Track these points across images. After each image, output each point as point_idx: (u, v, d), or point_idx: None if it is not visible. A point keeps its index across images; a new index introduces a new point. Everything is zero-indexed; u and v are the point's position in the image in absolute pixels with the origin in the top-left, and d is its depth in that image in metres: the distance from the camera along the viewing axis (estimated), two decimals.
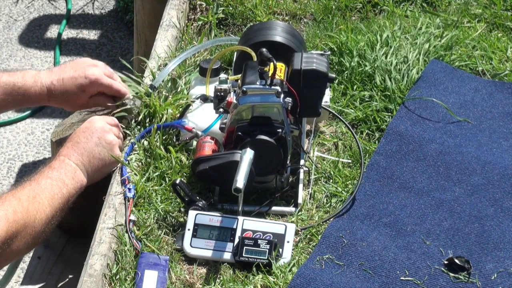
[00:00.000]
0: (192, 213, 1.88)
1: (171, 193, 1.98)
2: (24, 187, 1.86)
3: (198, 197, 1.92)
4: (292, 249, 1.85)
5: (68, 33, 4.65)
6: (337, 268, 1.83)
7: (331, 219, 1.94)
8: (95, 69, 2.16)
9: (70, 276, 2.13)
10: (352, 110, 2.24)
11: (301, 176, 2.02)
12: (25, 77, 2.14)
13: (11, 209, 1.77)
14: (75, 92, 2.16)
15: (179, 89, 2.25)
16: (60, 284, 2.12)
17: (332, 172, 2.06)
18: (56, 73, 2.16)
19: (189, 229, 1.86)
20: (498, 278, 1.81)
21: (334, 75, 2.02)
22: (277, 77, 1.94)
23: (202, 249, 1.85)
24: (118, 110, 2.18)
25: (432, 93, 2.29)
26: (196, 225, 1.87)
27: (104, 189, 2.02)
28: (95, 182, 2.02)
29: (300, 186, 2.00)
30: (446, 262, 1.84)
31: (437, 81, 2.34)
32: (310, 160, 2.08)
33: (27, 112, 4.17)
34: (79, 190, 1.96)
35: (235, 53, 2.28)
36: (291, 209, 1.97)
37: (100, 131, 2.03)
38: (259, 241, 1.83)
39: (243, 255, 1.82)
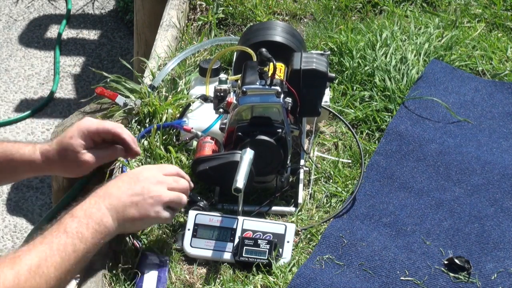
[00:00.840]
0: (192, 213, 1.88)
1: None
2: (30, 250, 1.60)
3: (199, 197, 1.92)
4: (292, 249, 1.85)
5: (68, 33, 4.65)
6: (337, 268, 1.83)
7: (331, 219, 1.94)
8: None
9: None
10: (352, 110, 2.24)
11: (301, 176, 2.02)
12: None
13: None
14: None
15: (179, 89, 2.25)
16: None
17: (332, 172, 2.06)
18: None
19: (189, 229, 1.86)
20: (498, 278, 1.81)
21: (333, 75, 2.02)
22: (277, 77, 1.94)
23: (202, 249, 1.85)
24: (120, 110, 2.19)
25: (432, 93, 2.29)
26: (196, 225, 1.87)
27: None
28: (127, 232, 1.83)
29: (300, 186, 2.00)
30: (446, 262, 1.84)
31: (437, 81, 2.34)
32: (310, 160, 2.08)
33: (27, 112, 4.17)
34: (103, 240, 1.70)
35: (235, 53, 2.28)
36: (291, 209, 1.97)
37: (147, 181, 1.78)
38: (259, 241, 1.83)
39: (243, 255, 1.82)
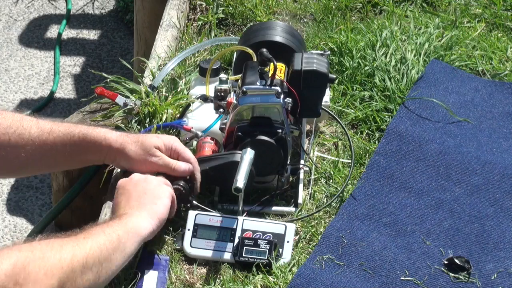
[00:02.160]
0: (192, 213, 1.88)
1: None
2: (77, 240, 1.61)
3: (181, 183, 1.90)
4: (292, 249, 1.85)
5: (68, 33, 4.65)
6: (337, 268, 1.83)
7: (328, 218, 1.94)
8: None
9: None
10: (352, 110, 2.24)
11: (301, 176, 2.02)
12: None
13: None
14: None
15: (179, 89, 2.26)
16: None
17: (332, 172, 2.06)
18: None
19: (189, 229, 1.86)
20: (498, 278, 1.81)
21: (334, 76, 2.02)
22: (277, 77, 1.94)
23: (202, 249, 1.85)
24: (120, 110, 2.19)
25: (432, 93, 2.29)
26: (196, 225, 1.87)
27: (104, 189, 2.02)
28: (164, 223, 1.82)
29: (300, 186, 2.00)
30: (446, 262, 1.84)
31: (437, 81, 2.34)
32: (310, 160, 2.08)
33: (27, 112, 4.17)
34: (142, 240, 1.73)
35: (235, 53, 2.28)
36: (291, 209, 1.97)
37: (140, 180, 1.83)
38: (259, 241, 1.83)
39: (243, 255, 1.82)
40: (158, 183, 1.83)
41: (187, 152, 1.91)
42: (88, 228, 1.66)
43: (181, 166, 1.88)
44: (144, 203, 1.77)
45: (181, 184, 1.88)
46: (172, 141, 1.91)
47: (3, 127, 1.80)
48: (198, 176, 1.91)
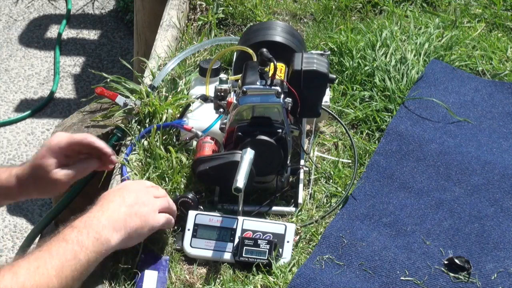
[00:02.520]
0: (192, 213, 1.88)
1: (171, 193, 1.98)
2: (28, 257, 1.59)
3: (190, 195, 1.91)
4: (292, 249, 1.85)
5: (68, 33, 4.65)
6: (337, 268, 1.83)
7: (328, 218, 1.94)
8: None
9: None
10: (352, 110, 2.24)
11: (301, 176, 2.02)
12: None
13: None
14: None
15: (179, 89, 2.26)
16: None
17: (332, 172, 2.06)
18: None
19: (189, 229, 1.86)
20: (498, 278, 1.81)
21: (334, 76, 2.02)
22: (277, 77, 1.94)
23: (202, 249, 1.85)
24: (120, 110, 2.19)
25: (432, 93, 2.29)
26: (196, 225, 1.87)
27: (104, 189, 2.02)
28: (130, 245, 1.79)
29: (300, 186, 2.01)
30: (446, 262, 1.84)
31: (437, 81, 2.34)
32: (310, 160, 2.08)
33: (27, 112, 4.17)
34: (105, 251, 1.69)
35: (235, 53, 2.28)
36: (291, 209, 1.97)
37: (137, 191, 1.80)
38: (259, 241, 1.83)
39: (243, 255, 1.82)
40: (151, 207, 1.79)
41: (74, 140, 1.86)
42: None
43: (92, 165, 1.89)
44: (129, 226, 1.75)
45: (189, 196, 1.90)
46: (52, 145, 1.84)
47: None
48: (98, 145, 1.88)
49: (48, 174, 1.85)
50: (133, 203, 1.76)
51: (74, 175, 1.89)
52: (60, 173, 1.86)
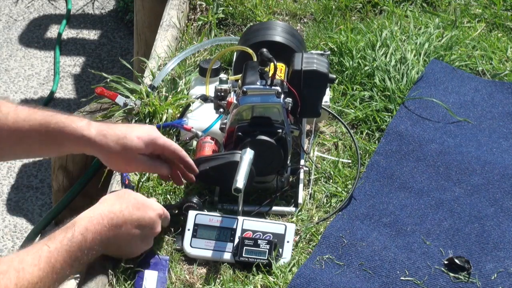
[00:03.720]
0: (192, 213, 1.88)
1: (171, 193, 1.98)
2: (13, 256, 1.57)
3: (195, 199, 1.91)
4: (292, 249, 1.85)
5: (68, 33, 4.65)
6: (337, 268, 1.83)
7: (331, 219, 1.94)
8: None
9: (70, 276, 2.12)
10: (352, 110, 2.24)
11: (301, 176, 2.02)
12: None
13: None
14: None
15: (179, 89, 2.26)
16: (60, 284, 2.11)
17: (332, 172, 2.06)
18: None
19: (189, 229, 1.86)
20: (498, 278, 1.81)
21: (334, 76, 2.02)
22: (277, 77, 1.94)
23: (202, 249, 1.85)
24: (120, 110, 2.19)
25: (432, 93, 2.29)
26: (196, 225, 1.86)
27: (104, 189, 2.02)
28: (114, 254, 1.80)
29: (300, 186, 2.00)
30: (446, 262, 1.84)
31: (437, 81, 2.34)
32: (310, 160, 2.08)
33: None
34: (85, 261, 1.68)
35: (235, 53, 2.28)
36: (291, 209, 1.97)
37: (136, 202, 1.78)
38: (259, 241, 1.83)
39: (243, 255, 1.82)
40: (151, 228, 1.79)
41: (170, 145, 1.86)
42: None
43: (163, 171, 1.87)
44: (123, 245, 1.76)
45: (194, 201, 1.90)
46: (152, 137, 1.84)
47: None
48: (188, 160, 1.88)
49: (133, 155, 1.83)
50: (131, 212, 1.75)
51: (149, 168, 1.88)
52: (141, 161, 1.85)
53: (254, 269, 1.81)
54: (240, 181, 1.81)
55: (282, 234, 1.85)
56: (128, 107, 2.19)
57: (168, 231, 1.89)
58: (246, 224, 1.86)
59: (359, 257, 1.85)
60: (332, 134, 2.19)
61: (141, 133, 1.83)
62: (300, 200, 1.98)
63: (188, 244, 1.85)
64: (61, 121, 1.80)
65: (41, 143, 1.82)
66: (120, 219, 1.72)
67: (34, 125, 1.79)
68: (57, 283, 1.60)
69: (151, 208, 1.79)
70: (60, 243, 1.61)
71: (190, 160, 1.89)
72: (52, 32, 4.64)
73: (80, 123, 1.80)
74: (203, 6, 2.72)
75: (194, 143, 2.07)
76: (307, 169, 2.05)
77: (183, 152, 1.88)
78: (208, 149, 1.98)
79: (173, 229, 1.90)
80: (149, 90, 2.22)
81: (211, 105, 2.04)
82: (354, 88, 2.30)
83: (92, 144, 1.80)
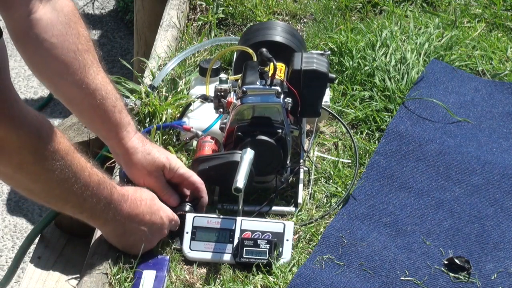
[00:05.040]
0: (189, 216, 1.87)
1: None
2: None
3: (187, 206, 1.91)
4: (292, 249, 1.85)
5: None
6: (337, 268, 1.83)
7: (329, 218, 1.94)
8: None
9: (70, 276, 2.13)
10: (352, 110, 2.25)
11: (301, 176, 2.02)
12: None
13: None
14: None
15: (179, 89, 2.26)
16: (60, 285, 2.12)
17: (332, 172, 2.06)
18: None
19: (187, 232, 1.86)
20: (498, 278, 1.81)
21: (334, 75, 2.02)
22: (277, 77, 1.94)
23: (202, 251, 1.84)
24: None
25: (432, 93, 2.29)
26: (195, 228, 1.86)
27: None
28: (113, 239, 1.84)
29: (300, 186, 2.00)
30: (446, 262, 1.84)
31: (437, 81, 2.34)
32: (310, 160, 2.08)
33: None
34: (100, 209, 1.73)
35: (235, 53, 2.28)
36: (291, 209, 1.97)
37: (153, 202, 1.84)
38: (259, 241, 1.83)
39: (244, 256, 1.82)
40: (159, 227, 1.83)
41: (190, 176, 1.90)
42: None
43: (171, 201, 1.89)
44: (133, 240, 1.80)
45: (186, 209, 1.89)
46: (178, 165, 1.89)
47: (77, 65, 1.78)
48: (205, 198, 1.91)
49: (158, 166, 1.87)
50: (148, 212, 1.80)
51: (161, 188, 1.89)
52: (161, 177, 1.89)
53: (254, 269, 1.81)
54: (241, 181, 1.81)
55: (281, 232, 1.85)
56: (128, 107, 2.19)
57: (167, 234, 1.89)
58: (245, 224, 1.86)
59: (359, 257, 1.85)
60: (332, 134, 2.19)
61: (170, 157, 1.90)
62: (300, 200, 1.98)
63: (188, 247, 1.85)
64: (113, 107, 1.83)
65: (90, 113, 1.85)
66: (139, 209, 1.78)
67: (101, 96, 1.81)
68: (67, 193, 1.66)
69: (164, 210, 1.83)
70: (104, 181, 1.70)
71: (205, 198, 1.91)
72: None
73: (132, 121, 1.86)
74: (203, 6, 2.72)
75: (194, 143, 2.07)
76: (307, 169, 2.05)
77: (202, 186, 1.91)
78: (208, 148, 1.98)
79: (172, 233, 1.89)
80: (149, 90, 2.22)
81: (211, 105, 2.04)
82: (354, 88, 2.30)
83: (121, 149, 1.86)
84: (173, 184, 1.90)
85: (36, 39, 1.72)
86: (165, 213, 1.83)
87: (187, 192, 1.93)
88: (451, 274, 1.82)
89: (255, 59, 2.04)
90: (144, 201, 1.80)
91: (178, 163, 1.90)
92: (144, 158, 1.86)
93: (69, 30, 1.75)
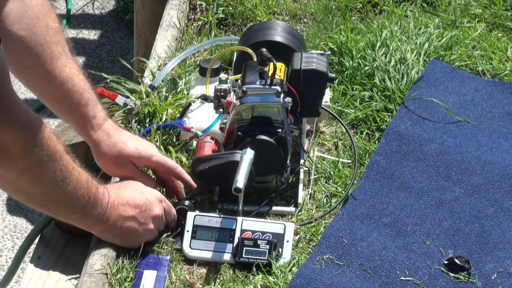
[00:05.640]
0: (190, 215, 1.87)
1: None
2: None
3: (186, 202, 1.92)
4: (292, 249, 1.85)
5: (68, 33, 4.65)
6: (337, 268, 1.83)
7: (329, 218, 1.94)
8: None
9: (70, 276, 2.13)
10: (352, 110, 2.24)
11: (301, 176, 2.02)
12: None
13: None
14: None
15: (179, 89, 2.26)
16: (60, 284, 2.11)
17: (332, 172, 2.06)
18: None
19: (188, 231, 1.86)
20: (498, 278, 1.81)
21: (334, 75, 2.02)
22: (277, 77, 1.94)
23: (202, 250, 1.84)
24: (120, 110, 2.19)
25: (432, 93, 2.29)
26: (195, 227, 1.86)
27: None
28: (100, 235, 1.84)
29: (300, 186, 2.00)
30: (446, 262, 1.84)
31: (437, 81, 2.34)
32: (310, 160, 2.08)
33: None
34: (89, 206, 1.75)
35: (235, 53, 2.28)
36: (291, 209, 1.97)
37: (135, 187, 1.85)
38: (259, 241, 1.83)
39: (243, 255, 1.82)
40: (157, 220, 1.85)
41: (165, 162, 1.91)
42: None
43: (148, 183, 1.89)
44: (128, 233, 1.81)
45: (185, 203, 1.90)
46: (149, 153, 1.90)
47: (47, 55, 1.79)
48: (185, 176, 1.93)
49: (124, 159, 1.89)
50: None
51: (134, 174, 1.91)
52: (131, 166, 1.90)
53: (254, 269, 1.81)
54: (241, 180, 1.81)
55: (281, 233, 1.85)
56: (128, 107, 2.19)
57: (167, 232, 1.89)
58: (245, 224, 1.86)
59: (359, 257, 1.85)
60: (332, 134, 2.19)
61: (140, 146, 1.90)
62: (300, 200, 1.98)
63: (188, 245, 1.85)
64: (82, 97, 1.84)
65: (56, 101, 1.86)
66: (122, 197, 1.79)
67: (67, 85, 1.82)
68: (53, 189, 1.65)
69: (150, 192, 1.84)
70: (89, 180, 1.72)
71: (187, 176, 1.93)
72: None
73: (99, 113, 1.86)
74: (203, 6, 2.72)
75: (194, 143, 2.07)
76: (307, 169, 2.05)
77: (179, 169, 1.93)
78: (208, 148, 1.98)
79: (172, 231, 1.89)
80: (149, 90, 2.22)
81: (211, 105, 2.04)
82: (354, 88, 2.30)
83: (90, 138, 1.87)
84: (164, 180, 1.94)
85: (4, 32, 1.73)
86: (152, 195, 1.83)
87: (181, 189, 1.94)
88: (451, 274, 1.82)
89: (255, 59, 2.04)
90: (123, 189, 1.81)
91: (150, 151, 1.90)
92: (109, 151, 1.87)
93: (37, 22, 1.76)
